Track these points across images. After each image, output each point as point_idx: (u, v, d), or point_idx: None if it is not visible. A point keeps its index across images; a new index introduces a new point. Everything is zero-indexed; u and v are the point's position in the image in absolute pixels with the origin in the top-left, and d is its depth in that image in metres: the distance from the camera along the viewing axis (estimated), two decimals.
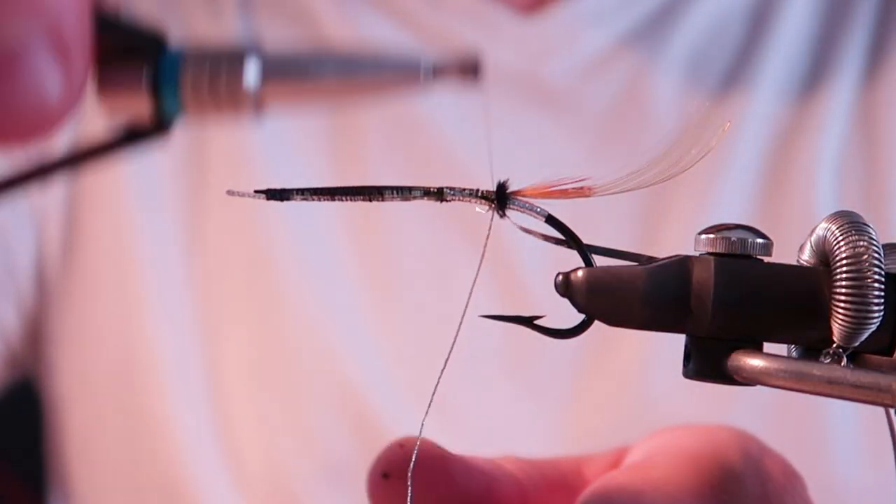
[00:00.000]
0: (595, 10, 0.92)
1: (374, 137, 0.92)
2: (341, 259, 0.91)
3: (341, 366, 0.90)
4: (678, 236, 0.89)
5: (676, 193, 0.90)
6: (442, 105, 0.92)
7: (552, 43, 0.91)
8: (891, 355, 0.47)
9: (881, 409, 0.48)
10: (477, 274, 0.50)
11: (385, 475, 0.52)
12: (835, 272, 0.47)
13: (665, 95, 0.91)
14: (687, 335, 0.48)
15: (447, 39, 0.91)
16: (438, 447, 0.53)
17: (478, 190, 0.49)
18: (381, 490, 0.52)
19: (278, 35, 0.93)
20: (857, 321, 0.46)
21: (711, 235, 0.48)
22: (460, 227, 0.89)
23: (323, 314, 0.91)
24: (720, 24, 0.93)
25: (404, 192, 0.49)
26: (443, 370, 0.50)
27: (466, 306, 0.49)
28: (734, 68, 0.92)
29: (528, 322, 0.49)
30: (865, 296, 0.46)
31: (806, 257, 0.49)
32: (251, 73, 0.40)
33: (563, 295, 0.48)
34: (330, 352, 0.91)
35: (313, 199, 0.49)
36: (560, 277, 0.48)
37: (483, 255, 0.50)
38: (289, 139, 0.92)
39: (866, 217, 0.48)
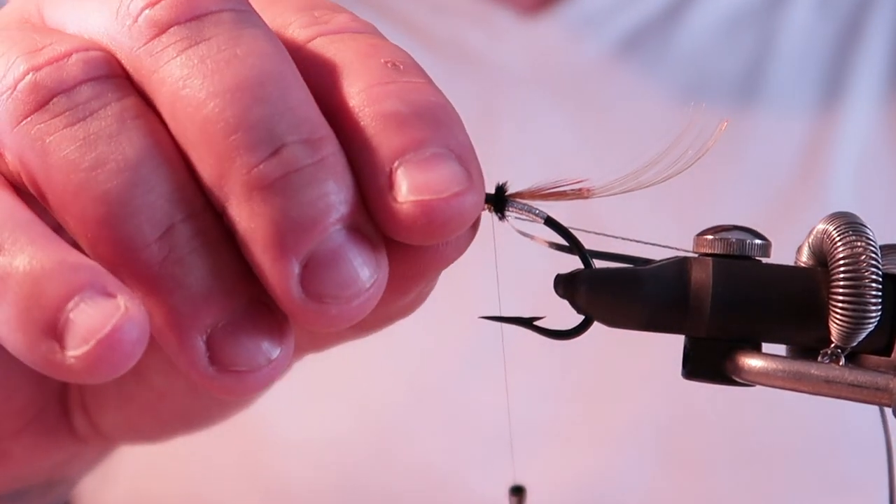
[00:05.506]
0: (597, 9, 0.92)
1: None
2: None
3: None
4: None
5: (682, 210, 0.87)
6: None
7: (556, 43, 0.91)
8: (889, 355, 0.47)
9: None
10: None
11: None
12: (833, 273, 0.47)
13: (668, 96, 0.90)
14: (686, 336, 0.49)
15: (450, 44, 0.91)
16: None
17: None
18: None
19: None
20: (855, 321, 0.47)
21: (710, 236, 0.49)
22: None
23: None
24: (726, 28, 0.92)
25: None
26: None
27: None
28: (743, 83, 0.91)
29: (527, 323, 0.50)
30: (863, 296, 0.46)
31: (804, 258, 0.49)
32: None
33: (562, 296, 0.49)
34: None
35: None
36: (559, 278, 0.49)
37: (496, 258, 0.50)
38: None
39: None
